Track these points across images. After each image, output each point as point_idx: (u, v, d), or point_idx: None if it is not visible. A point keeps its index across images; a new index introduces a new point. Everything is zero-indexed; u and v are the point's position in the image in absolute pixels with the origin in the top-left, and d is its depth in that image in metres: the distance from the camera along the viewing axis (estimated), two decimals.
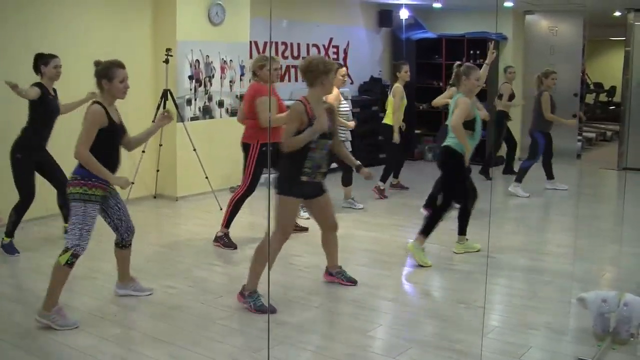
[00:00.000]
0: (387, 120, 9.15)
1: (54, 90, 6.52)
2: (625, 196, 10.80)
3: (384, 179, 9.36)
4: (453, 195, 6.50)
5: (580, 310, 4.81)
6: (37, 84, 6.34)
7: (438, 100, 8.88)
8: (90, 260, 5.89)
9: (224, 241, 6.79)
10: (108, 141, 4.83)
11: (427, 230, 6.36)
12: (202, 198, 8.99)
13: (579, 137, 13.25)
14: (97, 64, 4.92)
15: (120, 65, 4.89)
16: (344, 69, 8.30)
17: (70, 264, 4.73)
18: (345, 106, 8.48)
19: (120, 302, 5.23)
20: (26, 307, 5.10)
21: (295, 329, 4.79)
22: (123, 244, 5.23)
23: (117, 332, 4.67)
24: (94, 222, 4.84)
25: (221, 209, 8.25)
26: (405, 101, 9.12)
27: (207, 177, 8.59)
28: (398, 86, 9.05)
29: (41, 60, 6.38)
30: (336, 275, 5.73)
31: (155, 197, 9.07)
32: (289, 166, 5.16)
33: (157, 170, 8.96)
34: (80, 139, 4.75)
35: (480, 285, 5.67)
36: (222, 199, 8.54)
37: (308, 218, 7.58)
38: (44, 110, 6.36)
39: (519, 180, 9.59)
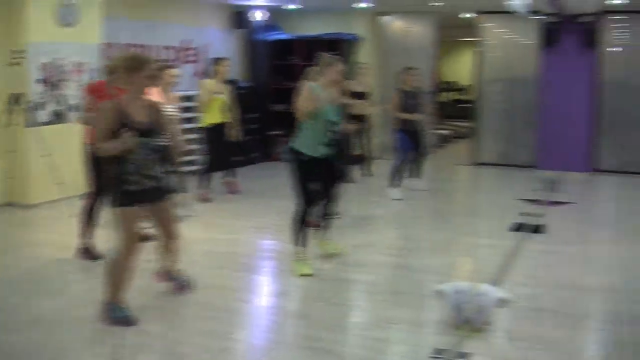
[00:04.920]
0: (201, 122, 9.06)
1: None
2: (477, 190, 11.31)
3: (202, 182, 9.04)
4: (305, 197, 5.93)
5: (438, 302, 4.96)
6: None
7: None
8: None
9: (86, 255, 6.31)
10: None
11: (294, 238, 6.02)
12: (57, 205, 8.56)
13: (434, 134, 13.75)
14: None
15: None
16: (175, 70, 7.88)
17: None
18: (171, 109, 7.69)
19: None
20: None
21: (153, 336, 4.65)
22: None
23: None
24: None
25: (69, 217, 7.84)
26: (215, 97, 8.83)
27: (61, 183, 8.20)
28: (204, 81, 9.13)
29: None
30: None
31: (7, 206, 8.59)
32: (112, 174, 4.63)
33: (9, 178, 8.49)
34: None
35: (337, 282, 5.73)
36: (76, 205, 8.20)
37: None
38: None
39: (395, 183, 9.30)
